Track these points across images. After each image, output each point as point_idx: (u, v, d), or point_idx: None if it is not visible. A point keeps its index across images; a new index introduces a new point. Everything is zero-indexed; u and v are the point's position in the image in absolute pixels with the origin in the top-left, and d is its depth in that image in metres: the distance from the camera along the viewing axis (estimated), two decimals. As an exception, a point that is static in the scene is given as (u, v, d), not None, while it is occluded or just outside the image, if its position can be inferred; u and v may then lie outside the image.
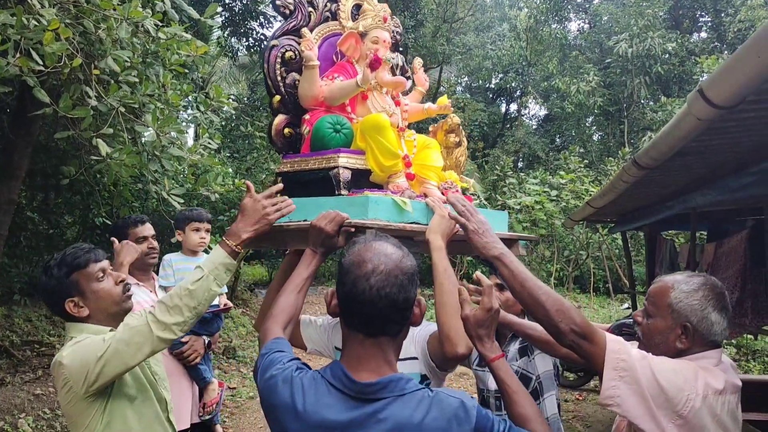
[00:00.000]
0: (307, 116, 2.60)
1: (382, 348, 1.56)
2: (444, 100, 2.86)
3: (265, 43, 13.40)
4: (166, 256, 4.03)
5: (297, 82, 2.62)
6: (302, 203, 2.30)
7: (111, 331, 2.14)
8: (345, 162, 2.36)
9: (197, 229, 4.00)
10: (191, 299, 2.07)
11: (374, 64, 2.46)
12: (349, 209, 2.09)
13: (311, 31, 2.67)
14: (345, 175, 2.34)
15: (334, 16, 2.80)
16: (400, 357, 2.18)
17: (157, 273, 3.90)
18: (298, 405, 1.51)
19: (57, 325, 8.60)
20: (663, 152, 2.98)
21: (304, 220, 2.23)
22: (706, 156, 3.31)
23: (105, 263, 2.25)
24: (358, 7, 2.81)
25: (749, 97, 2.14)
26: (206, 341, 3.86)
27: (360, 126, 2.46)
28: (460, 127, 2.85)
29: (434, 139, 2.73)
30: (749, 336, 8.56)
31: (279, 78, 2.62)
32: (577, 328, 1.83)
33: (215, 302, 4.24)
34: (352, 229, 2.06)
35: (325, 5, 2.80)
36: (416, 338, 2.29)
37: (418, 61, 2.92)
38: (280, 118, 2.65)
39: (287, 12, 2.68)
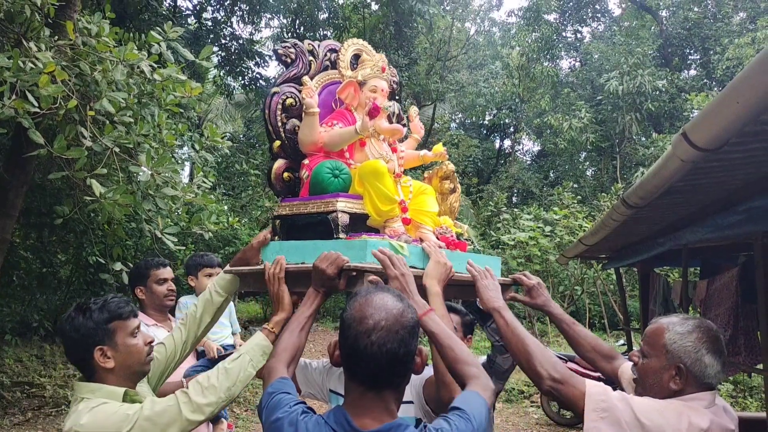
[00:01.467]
0: (306, 161, 2.65)
1: (383, 398, 1.61)
2: (439, 148, 2.93)
3: (260, 81, 13.65)
4: (182, 299, 4.14)
5: (297, 128, 2.68)
6: (300, 246, 2.34)
7: (126, 396, 2.07)
8: (343, 206, 2.40)
9: (210, 275, 4.07)
10: (227, 379, 2.06)
11: (373, 113, 2.53)
12: (348, 252, 2.12)
13: (311, 79, 2.73)
14: (343, 218, 2.38)
15: (334, 65, 2.87)
16: None
17: (172, 314, 3.96)
18: None
19: (48, 366, 8.51)
20: (650, 192, 3.02)
21: (302, 263, 2.26)
22: (693, 195, 3.35)
23: (139, 321, 2.23)
24: (356, 57, 2.89)
25: (733, 139, 2.18)
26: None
27: (358, 171, 2.51)
28: (455, 174, 2.91)
29: (429, 185, 2.78)
30: (745, 373, 8.52)
31: (279, 123, 2.68)
32: (557, 375, 1.99)
33: (230, 342, 4.32)
34: (353, 273, 2.08)
35: (325, 55, 2.88)
36: (412, 382, 2.28)
37: (413, 110, 2.99)
38: (279, 163, 2.70)
39: (288, 60, 2.76)
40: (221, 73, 14.51)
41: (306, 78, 2.68)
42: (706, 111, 2.05)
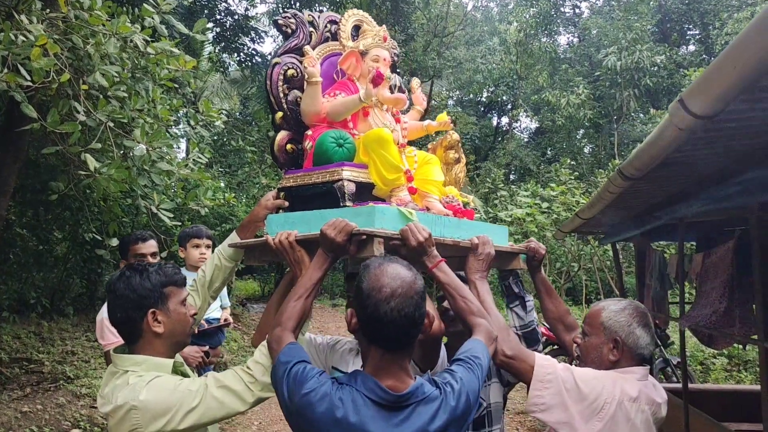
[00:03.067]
0: (309, 132, 2.64)
1: (401, 359, 1.77)
2: (443, 117, 2.92)
3: (256, 58, 13.53)
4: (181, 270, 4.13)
5: (299, 99, 2.67)
6: (306, 217, 2.33)
7: (175, 367, 2.05)
8: (349, 175, 2.39)
9: (197, 246, 4.11)
10: None
11: (377, 80, 2.52)
12: (356, 219, 2.11)
13: (312, 50, 2.71)
14: (350, 187, 2.37)
15: (335, 36, 2.86)
16: None
17: None
18: (340, 419, 1.64)
19: (46, 343, 8.54)
20: (647, 162, 2.99)
21: (309, 233, 2.25)
22: (690, 166, 3.33)
23: (188, 292, 2.23)
24: (357, 28, 2.87)
25: (730, 107, 2.16)
26: (206, 352, 3.94)
27: (363, 140, 2.49)
28: (459, 144, 2.89)
29: (434, 155, 2.77)
30: (740, 346, 8.58)
31: (281, 95, 2.67)
32: (510, 352, 2.22)
33: (216, 316, 4.32)
34: (363, 237, 2.09)
35: (326, 26, 2.86)
36: None
37: (416, 81, 2.98)
38: (282, 134, 2.69)
39: (289, 31, 2.74)
40: (216, 50, 14.37)
41: (308, 47, 2.67)
42: (703, 77, 2.03)
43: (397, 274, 1.74)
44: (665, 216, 4.48)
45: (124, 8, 4.91)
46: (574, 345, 2.48)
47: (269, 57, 14.36)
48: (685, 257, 5.41)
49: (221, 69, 15.17)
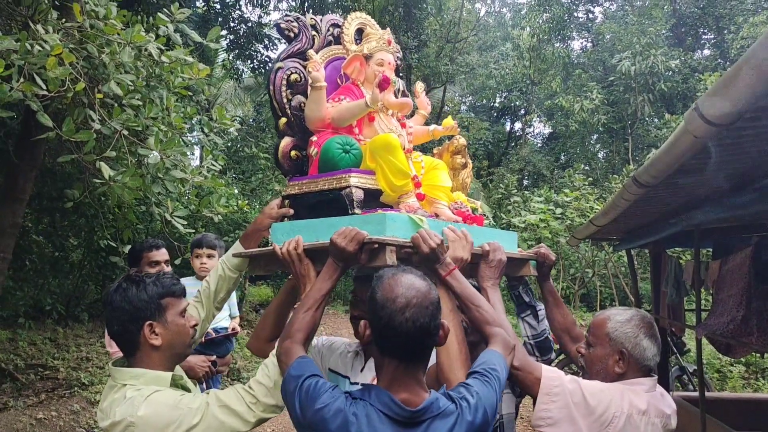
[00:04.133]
0: (314, 138, 2.59)
1: (416, 371, 1.74)
2: (449, 122, 2.87)
3: (270, 65, 13.58)
4: (181, 281, 4.10)
5: (303, 105, 2.62)
6: (313, 225, 2.29)
7: (174, 380, 2.00)
8: (356, 182, 2.34)
9: (198, 255, 4.09)
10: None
11: (383, 84, 2.47)
12: (366, 227, 2.07)
13: (316, 54, 2.66)
14: (358, 194, 2.33)
15: (337, 40, 2.81)
16: None
17: None
18: None
19: (61, 349, 8.59)
20: (662, 170, 2.96)
21: (317, 241, 2.22)
22: (706, 173, 3.29)
23: (188, 302, 2.17)
24: (360, 32, 2.83)
25: (747, 114, 2.14)
26: (213, 361, 3.91)
27: (369, 146, 2.44)
28: (466, 149, 2.85)
29: (441, 161, 2.73)
30: (758, 354, 8.46)
31: (285, 100, 2.62)
32: (517, 363, 2.15)
33: (224, 325, 4.29)
34: (375, 246, 2.05)
35: (328, 29, 2.81)
36: None
37: (419, 85, 2.93)
38: (286, 141, 2.65)
39: (291, 35, 2.69)
40: (230, 57, 14.45)
41: (311, 51, 2.62)
42: (720, 83, 2.00)
43: (411, 284, 1.71)
44: (681, 223, 4.43)
45: (139, 17, 4.93)
46: (578, 355, 2.42)
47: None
48: (702, 264, 5.35)
49: (235, 76, 15.23)
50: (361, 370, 2.34)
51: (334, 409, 1.65)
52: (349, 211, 2.29)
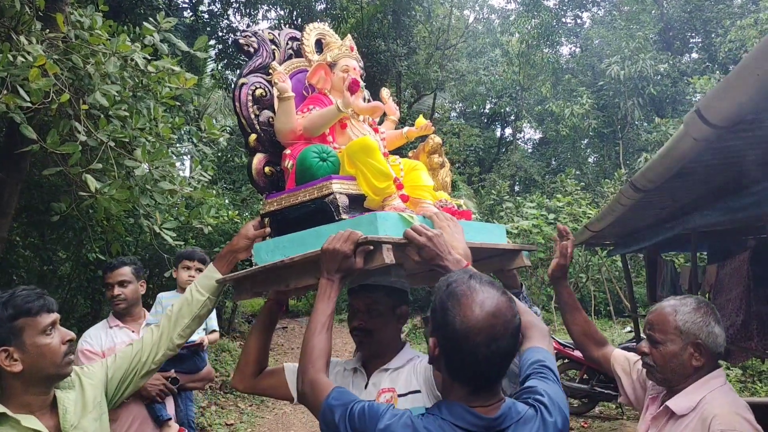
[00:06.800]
0: (287, 151, 2.52)
1: (492, 386, 1.62)
2: (422, 121, 2.80)
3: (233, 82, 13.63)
4: (159, 295, 3.99)
5: (271, 120, 2.57)
6: (300, 237, 2.21)
7: (5, 421, 1.80)
8: (339, 188, 2.26)
9: (187, 268, 3.97)
10: None
11: (353, 87, 2.42)
12: (358, 230, 1.99)
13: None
14: (343, 199, 2.25)
15: (297, 53, 2.78)
16: (401, 392, 2.10)
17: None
18: None
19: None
20: (660, 174, 2.93)
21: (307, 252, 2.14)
22: (704, 177, 3.26)
23: (56, 316, 1.97)
24: (319, 43, 2.80)
25: (747, 117, 2.09)
26: (170, 378, 3.58)
27: (347, 151, 2.37)
28: (442, 147, 2.79)
29: (419, 161, 2.67)
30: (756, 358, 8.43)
31: (252, 116, 2.56)
32: None
33: (191, 338, 3.88)
34: (370, 248, 1.96)
35: (287, 43, 2.78)
36: (417, 370, 2.21)
37: (385, 92, 2.87)
38: (258, 157, 2.57)
39: (251, 50, 2.64)
40: (219, 67, 14.40)
41: (274, 63, 2.58)
42: (722, 85, 1.95)
43: (496, 308, 1.55)
44: (677, 227, 4.40)
45: (125, 27, 4.86)
46: (641, 357, 2.29)
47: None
48: (698, 268, 5.31)
49: (224, 86, 15.18)
50: (365, 387, 2.25)
51: (402, 424, 1.56)
52: (336, 218, 2.20)
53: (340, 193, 2.25)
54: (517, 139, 28.91)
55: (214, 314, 3.93)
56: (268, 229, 2.44)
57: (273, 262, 2.20)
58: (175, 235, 5.26)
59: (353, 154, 2.31)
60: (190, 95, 5.24)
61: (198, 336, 3.89)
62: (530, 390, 1.69)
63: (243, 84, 2.57)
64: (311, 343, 1.90)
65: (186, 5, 13.07)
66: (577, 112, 19.36)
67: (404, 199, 2.38)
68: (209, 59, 14.31)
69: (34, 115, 4.29)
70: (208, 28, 12.40)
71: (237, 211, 9.83)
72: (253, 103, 2.56)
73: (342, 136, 2.54)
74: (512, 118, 27.92)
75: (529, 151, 28.36)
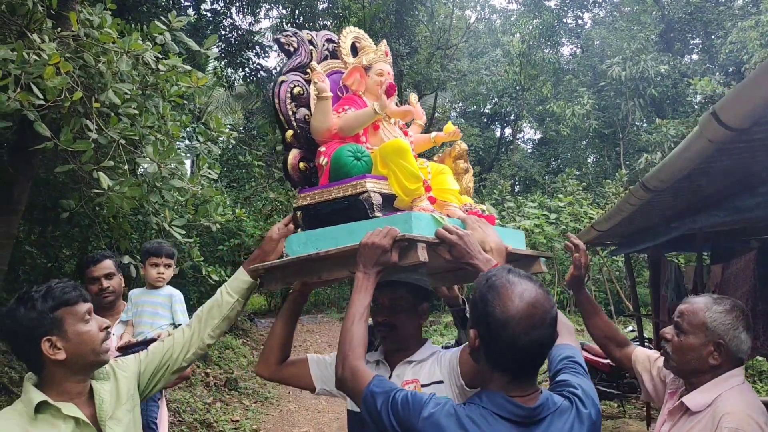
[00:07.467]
0: (322, 148, 2.60)
1: (529, 376, 1.70)
2: (450, 127, 2.88)
3: (261, 72, 13.55)
4: (130, 292, 3.92)
5: (307, 117, 2.64)
6: (332, 232, 2.28)
7: (43, 408, 1.89)
8: (373, 186, 2.34)
9: (155, 264, 3.88)
10: None
11: (390, 91, 2.52)
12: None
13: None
14: (377, 198, 2.32)
15: (333, 55, 2.85)
16: (424, 383, 2.15)
17: None
18: None
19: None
20: (672, 174, 2.96)
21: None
22: (714, 177, 3.29)
23: (90, 305, 2.05)
24: (354, 46, 2.87)
25: (763, 119, 2.13)
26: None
27: (380, 152, 2.45)
28: (467, 154, 2.86)
29: (445, 165, 2.74)
30: (759, 357, 8.47)
31: (290, 113, 2.63)
32: None
33: (152, 335, 3.68)
34: (406, 243, 2.03)
35: (324, 45, 2.85)
36: (440, 362, 2.28)
37: (414, 97, 2.95)
38: (294, 153, 2.64)
39: (291, 49, 2.71)
40: (221, 65, 14.40)
41: (313, 63, 2.66)
42: (740, 88, 1.99)
43: (534, 299, 1.62)
44: (683, 227, 4.43)
45: (134, 26, 4.89)
46: (662, 341, 2.32)
47: (274, 71, 14.40)
48: (703, 268, 5.35)
49: (226, 84, 15.18)
50: (389, 378, 2.30)
51: (446, 412, 1.61)
52: (370, 215, 2.27)
53: (374, 191, 2.32)
54: (518, 139, 28.97)
55: (184, 308, 3.91)
56: (291, 227, 2.50)
57: (308, 254, 2.26)
58: (183, 232, 5.28)
59: (387, 155, 2.38)
60: (201, 93, 5.27)
61: (156, 332, 3.74)
62: (564, 383, 1.76)
63: (282, 81, 2.64)
64: (351, 332, 1.95)
65: (189, 3, 13.08)
66: (577, 112, 19.41)
67: (431, 201, 2.46)
68: (211, 57, 14.32)
69: (47, 113, 4.31)
70: (210, 27, 12.40)
71: (244, 210, 9.84)
72: (291, 101, 2.63)
73: (374, 137, 2.61)
74: (513, 118, 27.98)
75: (529, 151, 28.43)
